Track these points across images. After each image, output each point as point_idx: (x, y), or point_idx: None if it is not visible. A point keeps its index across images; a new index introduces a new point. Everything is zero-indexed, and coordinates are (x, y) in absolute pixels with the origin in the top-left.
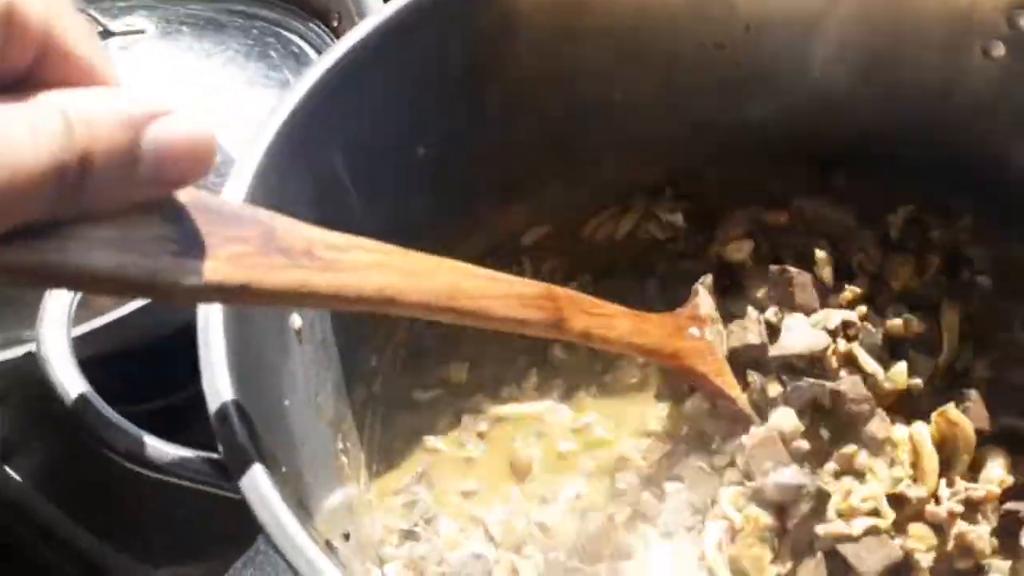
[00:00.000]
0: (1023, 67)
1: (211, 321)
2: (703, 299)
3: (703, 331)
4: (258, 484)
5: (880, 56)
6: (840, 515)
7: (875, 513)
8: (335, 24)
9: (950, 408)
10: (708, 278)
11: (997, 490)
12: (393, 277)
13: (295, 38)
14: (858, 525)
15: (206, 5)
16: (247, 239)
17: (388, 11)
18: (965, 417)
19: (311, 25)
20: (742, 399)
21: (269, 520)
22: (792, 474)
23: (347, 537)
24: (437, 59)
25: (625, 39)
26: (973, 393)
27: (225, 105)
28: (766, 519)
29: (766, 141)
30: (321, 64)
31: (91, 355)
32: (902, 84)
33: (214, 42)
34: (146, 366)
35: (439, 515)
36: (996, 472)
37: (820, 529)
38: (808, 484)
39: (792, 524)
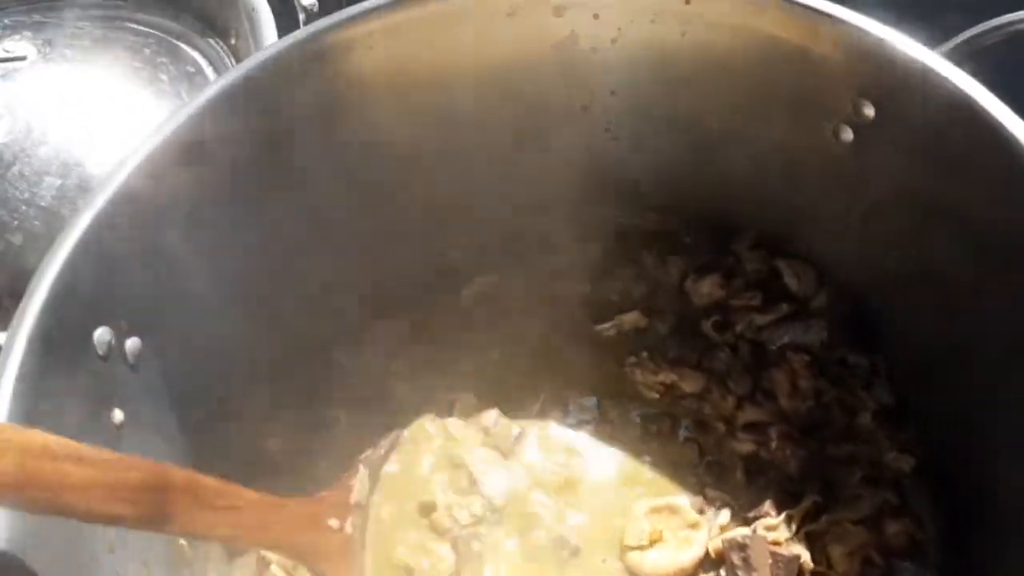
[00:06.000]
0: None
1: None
2: (359, 482)
3: (344, 522)
4: None
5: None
6: None
7: None
8: (232, 42)
9: None
10: (377, 452)
11: None
12: None
13: (194, 54)
14: None
15: (95, 22)
16: None
17: None
18: None
19: (209, 42)
20: None
21: None
22: None
23: None
24: None
25: None
26: None
27: (106, 136)
28: None
29: None
30: None
31: None
32: None
33: (101, 65)
34: None
35: None
36: None
37: None
38: None
39: None
